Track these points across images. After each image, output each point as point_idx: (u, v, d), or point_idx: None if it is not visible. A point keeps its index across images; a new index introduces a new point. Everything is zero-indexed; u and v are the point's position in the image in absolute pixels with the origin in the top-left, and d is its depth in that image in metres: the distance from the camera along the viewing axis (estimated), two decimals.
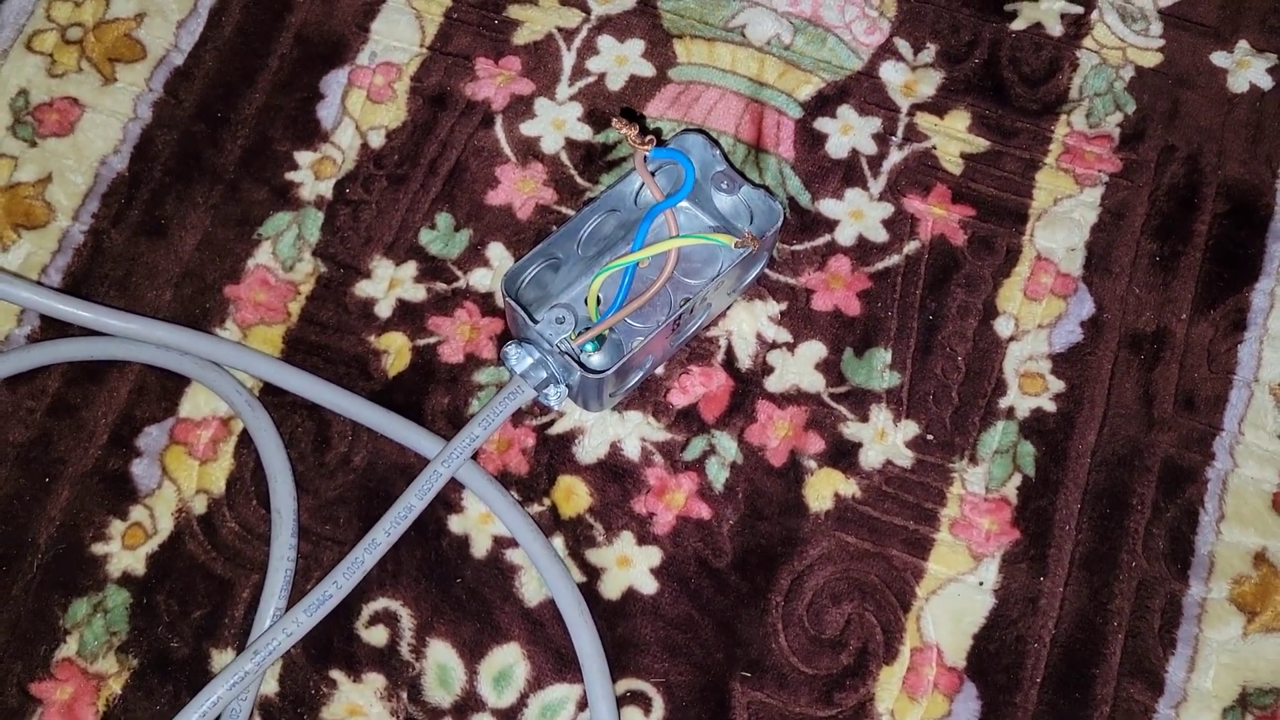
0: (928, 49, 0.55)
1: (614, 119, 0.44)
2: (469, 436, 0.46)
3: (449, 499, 0.48)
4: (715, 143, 0.48)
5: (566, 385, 0.47)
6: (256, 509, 0.48)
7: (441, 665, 0.46)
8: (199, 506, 0.48)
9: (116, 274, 0.51)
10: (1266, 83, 0.54)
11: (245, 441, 0.48)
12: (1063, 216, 0.52)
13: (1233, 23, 0.56)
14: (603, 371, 0.44)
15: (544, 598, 0.46)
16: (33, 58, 0.54)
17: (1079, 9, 0.56)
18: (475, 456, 0.48)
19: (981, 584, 0.47)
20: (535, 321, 0.45)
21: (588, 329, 0.46)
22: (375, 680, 0.45)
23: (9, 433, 0.48)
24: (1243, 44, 0.55)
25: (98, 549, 0.47)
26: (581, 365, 0.44)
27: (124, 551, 0.47)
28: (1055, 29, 0.55)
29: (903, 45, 0.55)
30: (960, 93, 0.54)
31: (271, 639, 0.43)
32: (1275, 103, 0.54)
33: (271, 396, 0.49)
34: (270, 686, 0.45)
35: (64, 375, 0.49)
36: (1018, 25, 0.55)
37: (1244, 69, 0.55)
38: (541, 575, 0.46)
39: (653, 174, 0.47)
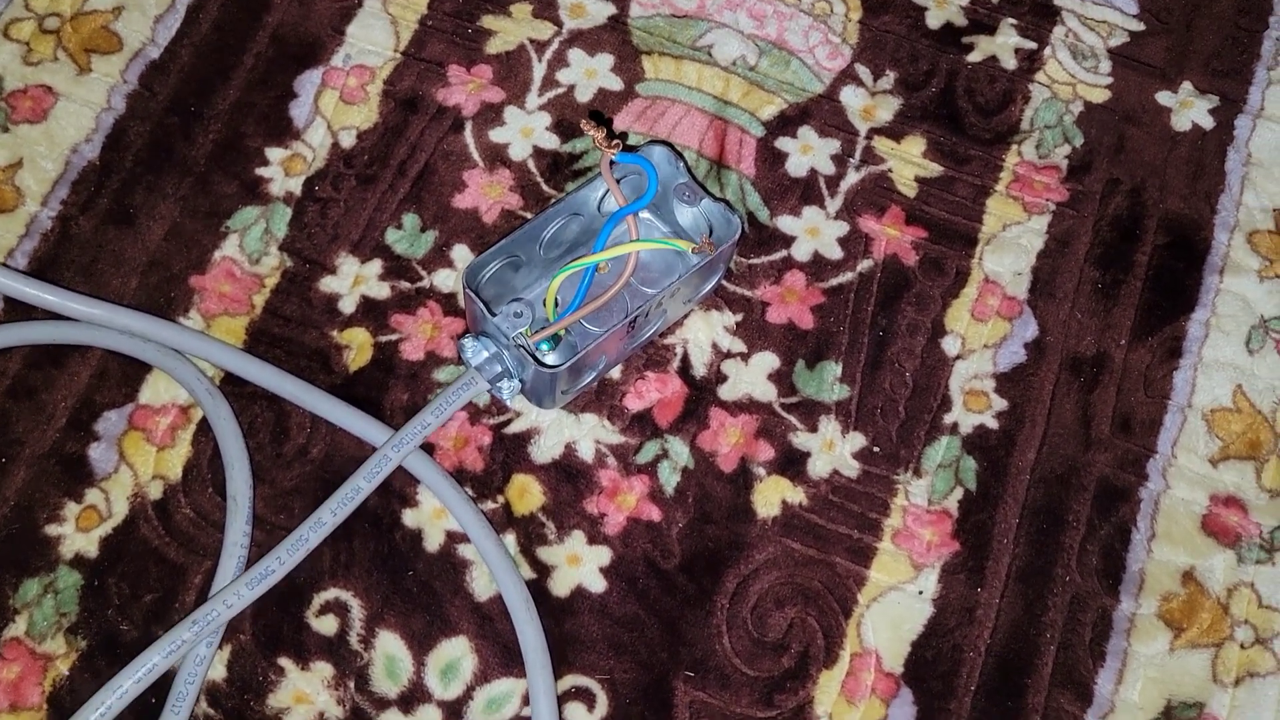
0: (887, 76, 0.57)
1: (583, 121, 0.45)
2: (420, 424, 0.47)
3: (404, 493, 0.48)
4: (679, 155, 0.49)
5: (520, 380, 0.48)
6: (212, 496, 0.48)
7: (390, 656, 0.46)
8: (154, 492, 0.48)
9: (83, 260, 0.51)
10: (1208, 123, 0.57)
11: (203, 430, 0.49)
12: (1011, 242, 0.54)
13: (1178, 65, 0.58)
14: (556, 367, 0.45)
15: (494, 593, 0.47)
16: (9, 45, 0.55)
17: (1033, 45, 0.58)
18: (432, 453, 0.49)
19: (921, 593, 0.48)
20: (493, 314, 0.46)
21: (544, 327, 0.47)
22: (323, 669, 0.46)
23: None
24: (1187, 85, 0.57)
25: (51, 530, 0.47)
26: (536, 360, 0.45)
27: (77, 534, 0.47)
28: (1009, 63, 0.57)
29: (863, 71, 0.57)
30: (917, 119, 0.56)
31: (211, 610, 0.43)
32: (1215, 142, 0.56)
33: (232, 386, 0.50)
34: (218, 672, 0.45)
35: (25, 358, 0.49)
36: (974, 57, 0.57)
37: (1187, 109, 0.57)
38: (490, 570, 0.47)
39: (617, 181, 0.49)
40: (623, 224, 0.48)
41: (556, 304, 0.49)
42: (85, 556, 0.47)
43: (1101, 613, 0.48)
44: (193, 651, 0.44)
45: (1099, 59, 0.58)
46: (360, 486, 0.45)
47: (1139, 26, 0.58)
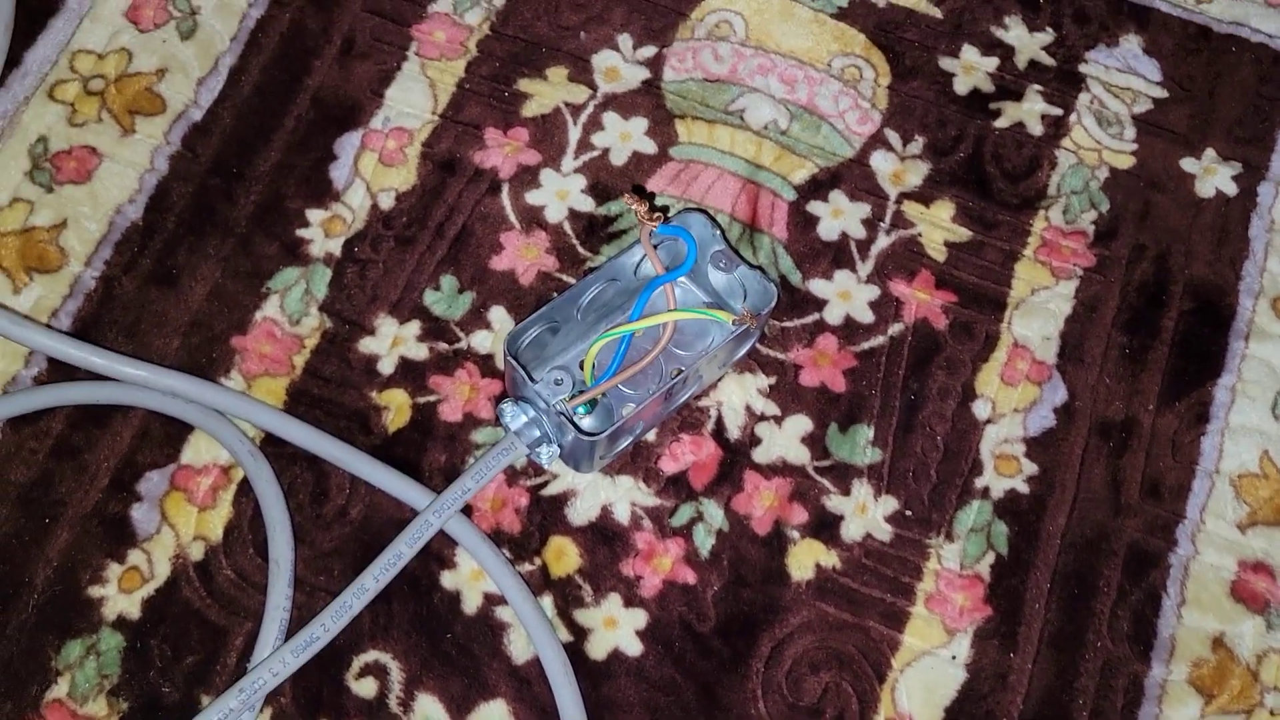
0: (916, 141, 0.58)
1: (626, 195, 0.46)
2: (460, 489, 0.47)
3: (442, 555, 0.49)
4: (715, 223, 0.50)
5: (559, 445, 0.48)
6: (253, 558, 0.48)
7: (429, 719, 0.46)
8: (196, 553, 0.48)
9: (126, 320, 0.52)
10: (1232, 189, 0.57)
11: (244, 490, 0.49)
12: (1039, 306, 0.54)
13: (1201, 131, 0.59)
14: (596, 434, 0.46)
15: (531, 655, 0.47)
16: (54, 106, 0.55)
17: (1059, 111, 0.59)
18: (470, 515, 0.49)
19: (954, 658, 0.48)
20: (534, 381, 0.47)
21: (582, 392, 0.48)
22: None
23: (11, 472, 0.49)
24: (1210, 152, 0.58)
25: (94, 591, 0.47)
26: (575, 426, 0.46)
27: (120, 595, 0.47)
28: (1036, 129, 0.58)
29: (892, 136, 0.58)
30: (945, 184, 0.57)
31: (257, 678, 0.43)
32: (1239, 209, 0.57)
33: (272, 447, 0.50)
34: None
35: (68, 418, 0.50)
36: (1001, 123, 0.58)
37: (1211, 175, 0.58)
38: (528, 634, 0.47)
39: (655, 247, 0.49)
40: (660, 290, 0.49)
41: (594, 368, 0.49)
42: (127, 618, 0.47)
43: (1133, 679, 0.48)
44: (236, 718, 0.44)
45: (1124, 125, 0.59)
46: (402, 552, 0.46)
47: (1162, 94, 0.59)
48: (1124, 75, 0.60)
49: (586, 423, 0.49)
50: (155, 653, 0.47)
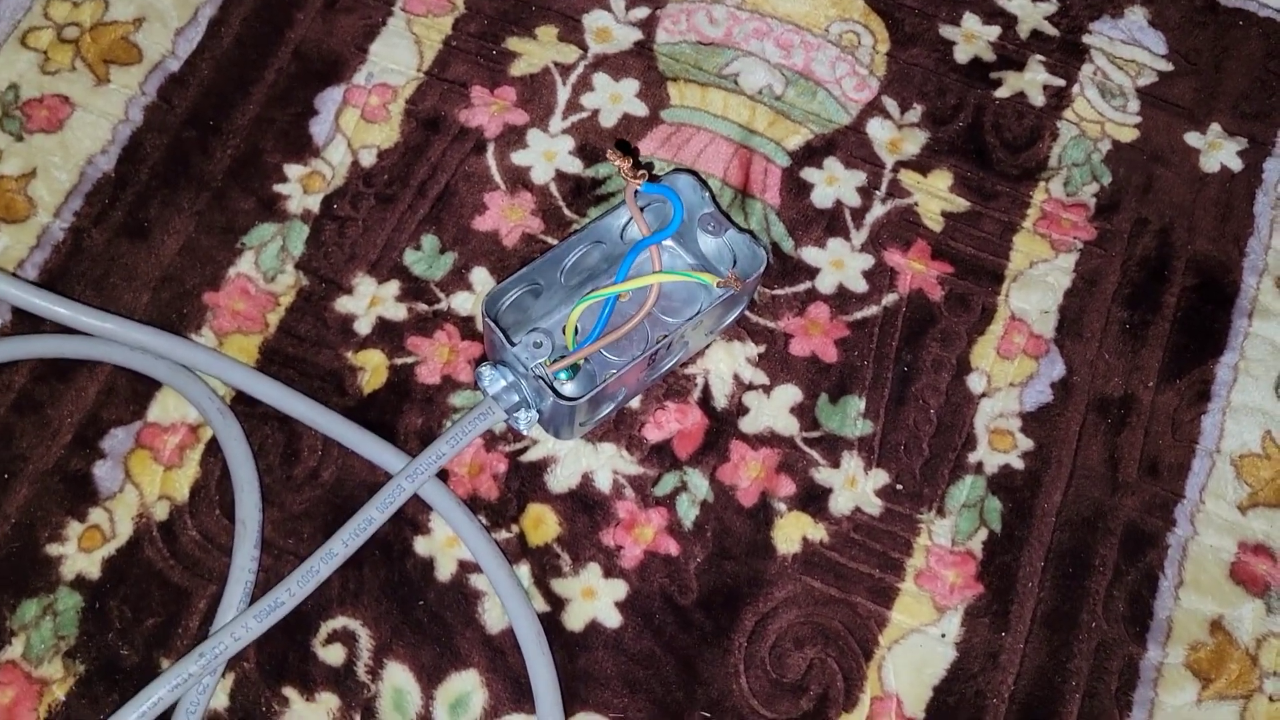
0: (914, 109, 0.56)
1: (608, 150, 0.44)
2: (435, 453, 0.46)
3: (416, 520, 0.47)
4: (705, 184, 0.49)
5: (538, 411, 0.47)
6: (219, 519, 0.47)
7: (398, 689, 0.45)
8: (160, 513, 0.47)
9: (94, 273, 0.50)
10: (1236, 165, 0.56)
11: (212, 450, 0.48)
12: (1038, 279, 0.53)
13: (1207, 106, 0.57)
14: (575, 399, 0.44)
15: (506, 625, 0.46)
16: (26, 53, 0.54)
17: (1061, 82, 0.57)
18: (445, 479, 0.48)
19: (944, 636, 0.47)
20: (513, 344, 0.45)
21: (563, 357, 0.46)
22: (329, 700, 0.44)
23: None
24: (1215, 126, 0.57)
25: (52, 550, 0.46)
26: (554, 391, 0.44)
27: (79, 554, 0.46)
28: (1038, 99, 0.57)
29: (890, 104, 0.56)
30: (944, 153, 0.55)
31: (218, 643, 0.42)
32: (1244, 184, 0.56)
33: (243, 406, 0.48)
34: (220, 701, 0.44)
35: (31, 371, 0.48)
36: (1002, 93, 0.57)
37: (1216, 150, 0.56)
38: (503, 603, 0.45)
39: (641, 209, 0.48)
40: (646, 253, 0.47)
41: (576, 332, 0.48)
42: (87, 578, 0.45)
43: (1128, 661, 0.47)
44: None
45: (1128, 98, 0.57)
46: (373, 517, 0.44)
47: (1168, 67, 0.58)
48: (1129, 47, 0.58)
49: (567, 388, 0.48)
50: (114, 614, 0.45)
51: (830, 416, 0.50)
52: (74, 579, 0.45)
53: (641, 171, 0.45)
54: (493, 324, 0.45)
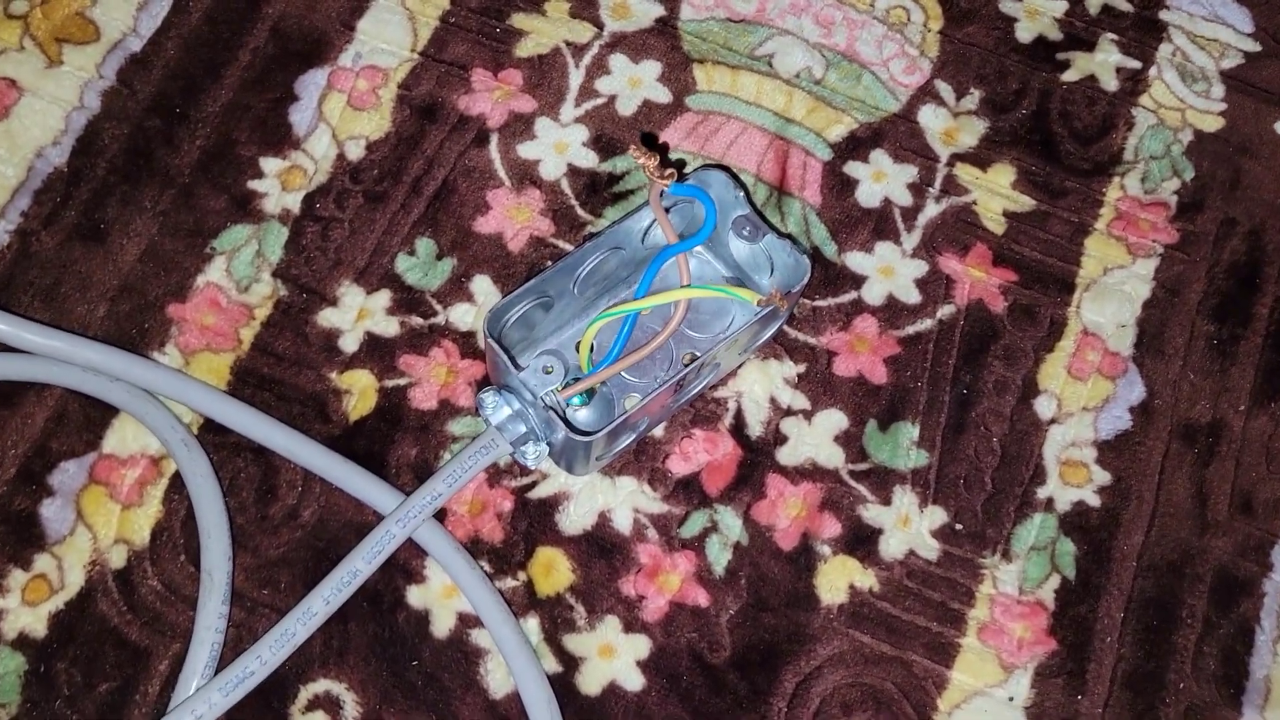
0: (971, 95, 0.51)
1: (632, 145, 0.39)
2: (430, 494, 0.41)
3: (409, 567, 0.42)
4: (739, 182, 0.43)
5: (548, 443, 0.41)
6: (185, 566, 0.41)
7: None
8: (117, 559, 0.42)
9: (44, 282, 0.45)
10: None
11: (177, 486, 0.43)
12: (1113, 289, 0.48)
13: None
14: (590, 434, 0.39)
15: (512, 689, 0.41)
16: None
17: (1136, 64, 0.52)
18: (443, 520, 0.42)
19: (1011, 700, 0.42)
20: (519, 368, 0.40)
21: (577, 380, 0.41)
22: None
23: None
24: None
25: None
26: (567, 424, 0.39)
27: (23, 608, 0.41)
28: (1110, 83, 0.51)
29: (944, 89, 0.51)
30: (1005, 145, 0.50)
31: None
32: None
33: (212, 435, 0.43)
34: None
35: None
36: (1070, 76, 0.51)
37: None
38: (508, 662, 0.40)
39: (666, 210, 0.42)
40: (671, 262, 0.42)
41: (592, 351, 0.42)
42: (31, 636, 0.41)
43: None
44: None
45: (1211, 82, 0.52)
46: (358, 569, 0.39)
47: (1254, 47, 0.53)
48: (1211, 25, 0.53)
49: (582, 416, 0.43)
50: (63, 679, 0.40)
51: (880, 446, 0.45)
52: (16, 637, 0.41)
53: (670, 170, 0.39)
54: (496, 345, 0.39)
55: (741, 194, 0.43)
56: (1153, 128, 0.51)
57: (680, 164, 0.48)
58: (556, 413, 0.39)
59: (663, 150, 0.48)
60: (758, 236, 0.43)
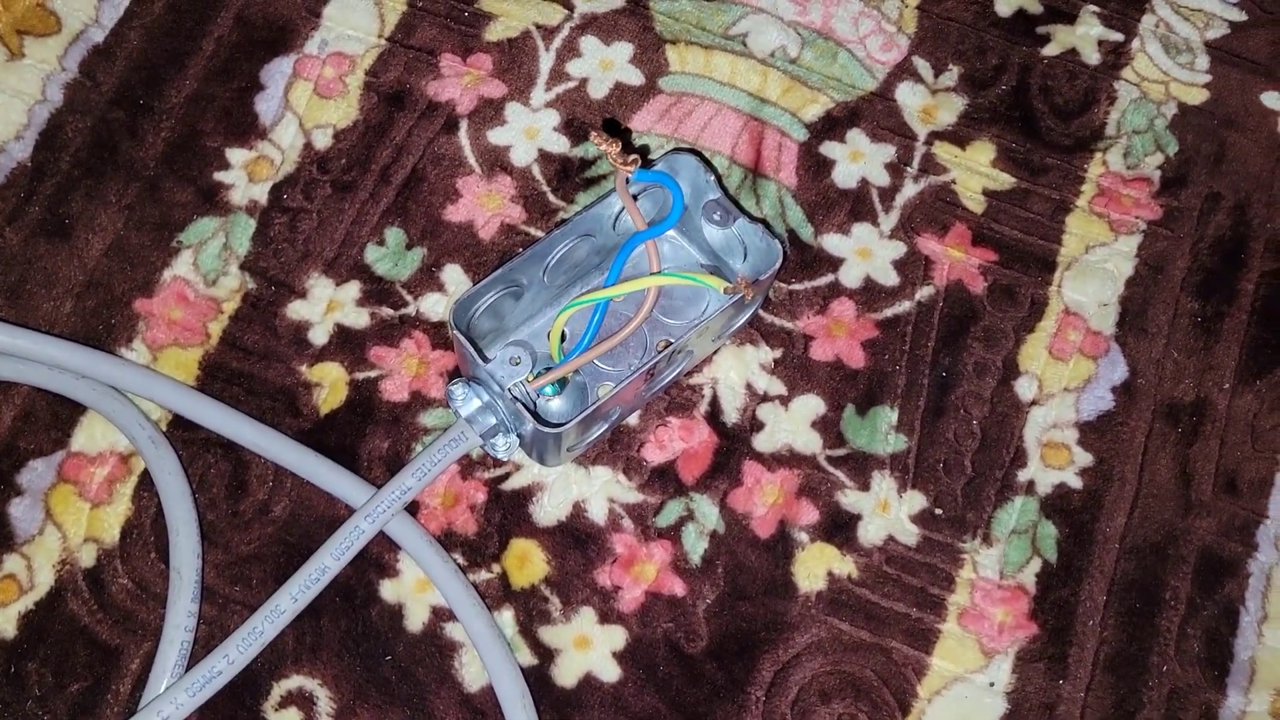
0: (950, 71, 0.50)
1: (592, 132, 0.38)
2: (399, 487, 0.40)
3: (382, 561, 0.41)
4: (710, 166, 0.42)
5: (518, 435, 0.41)
6: (155, 563, 0.41)
7: None
8: (86, 558, 0.41)
9: (8, 279, 0.45)
10: None
11: (147, 483, 0.42)
12: (1095, 267, 0.47)
13: None
14: (559, 425, 0.38)
15: (487, 682, 0.40)
16: None
17: (1119, 36, 0.51)
18: (416, 513, 0.42)
19: (992, 685, 0.42)
20: (486, 360, 0.39)
21: (548, 370, 0.40)
22: None
23: None
24: None
25: None
26: (534, 415, 0.38)
27: None
28: (1092, 57, 0.50)
29: (922, 66, 0.50)
30: (985, 122, 0.49)
31: None
32: None
33: (181, 431, 0.43)
34: None
35: None
36: (1051, 51, 0.51)
37: None
38: (481, 656, 0.40)
39: (635, 197, 0.41)
40: (642, 249, 0.41)
41: (564, 340, 0.41)
42: (1, 637, 0.40)
43: (1205, 710, 0.41)
44: None
45: (1195, 53, 0.51)
46: (327, 565, 0.39)
47: (1240, 16, 0.52)
48: None
49: (555, 406, 0.42)
50: (33, 678, 0.40)
51: (858, 431, 0.44)
52: None
53: (634, 157, 0.38)
54: (462, 337, 0.39)
55: (712, 178, 0.42)
56: (1135, 101, 0.50)
57: (644, 149, 0.47)
58: (524, 405, 0.39)
59: (625, 135, 0.48)
60: (729, 221, 0.42)
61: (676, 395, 0.44)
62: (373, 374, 0.44)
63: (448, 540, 0.42)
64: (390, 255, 0.46)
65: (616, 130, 0.48)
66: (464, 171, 0.47)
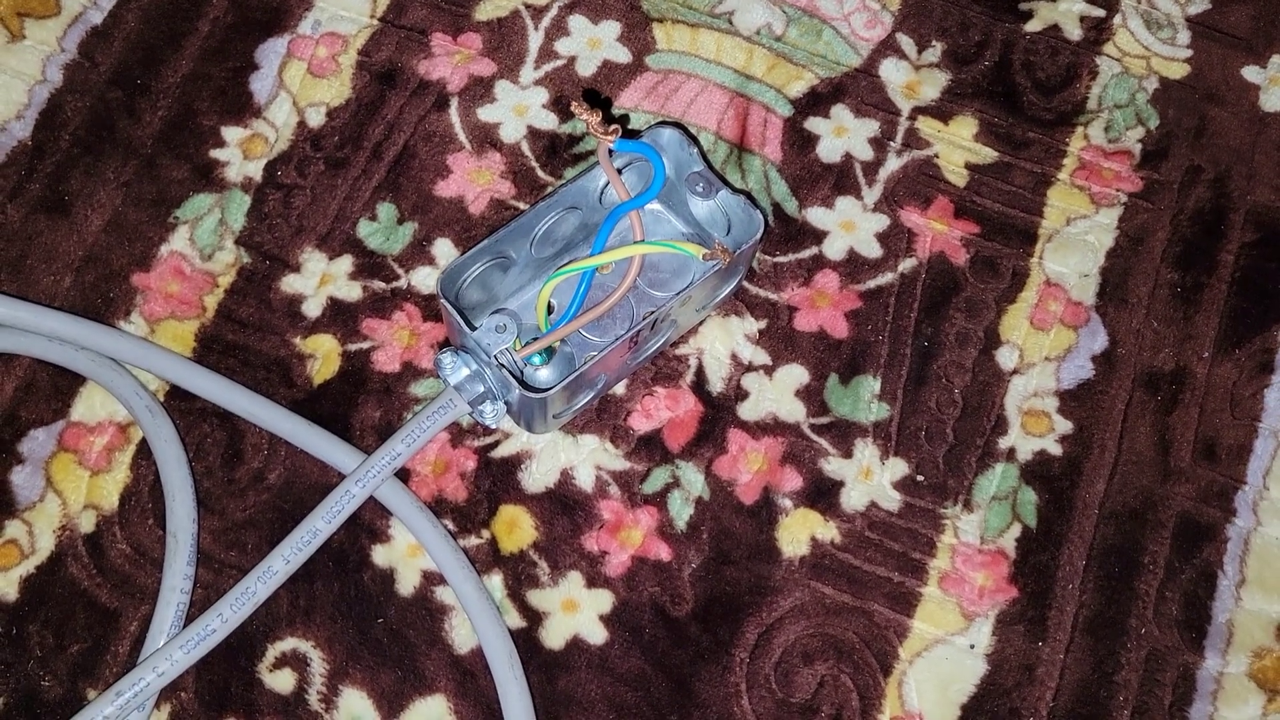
0: (933, 47, 0.50)
1: (574, 103, 0.39)
2: (389, 453, 0.41)
3: (374, 527, 0.42)
4: (693, 139, 0.43)
5: (505, 402, 0.42)
6: (153, 529, 0.42)
7: (355, 718, 0.40)
8: (86, 524, 0.42)
9: (9, 254, 0.45)
10: None
11: (144, 452, 0.43)
12: (1076, 239, 0.47)
13: (1266, 35, 0.51)
14: (544, 390, 0.39)
15: (476, 644, 0.41)
16: None
17: (1100, 12, 0.51)
18: (407, 480, 0.43)
19: (972, 647, 0.42)
20: (473, 328, 0.40)
21: (535, 339, 0.41)
22: None
23: None
24: (1276, 59, 0.51)
25: None
26: (520, 381, 0.39)
27: None
28: (1074, 32, 0.51)
29: (906, 42, 0.50)
30: (967, 97, 0.49)
31: (138, 678, 0.37)
32: None
33: (178, 401, 0.44)
34: None
35: None
36: (1033, 26, 0.51)
37: (1277, 86, 0.50)
38: (471, 619, 0.40)
39: (620, 170, 0.42)
40: (627, 220, 0.42)
41: (550, 310, 0.42)
42: (3, 600, 0.41)
43: (1183, 671, 0.42)
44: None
45: (1176, 28, 0.51)
46: (318, 528, 0.39)
47: None
48: None
49: (543, 375, 0.42)
50: (34, 640, 0.41)
51: (841, 400, 0.45)
52: None
53: (614, 126, 0.39)
54: (449, 305, 0.39)
55: (695, 150, 0.43)
56: (1117, 76, 0.50)
57: (625, 118, 0.48)
58: (510, 371, 0.39)
59: (605, 105, 0.48)
60: (711, 192, 0.43)
61: (663, 365, 0.45)
62: (365, 345, 0.45)
63: (438, 506, 0.43)
64: (382, 230, 0.46)
65: (597, 100, 0.48)
66: (454, 148, 0.48)
